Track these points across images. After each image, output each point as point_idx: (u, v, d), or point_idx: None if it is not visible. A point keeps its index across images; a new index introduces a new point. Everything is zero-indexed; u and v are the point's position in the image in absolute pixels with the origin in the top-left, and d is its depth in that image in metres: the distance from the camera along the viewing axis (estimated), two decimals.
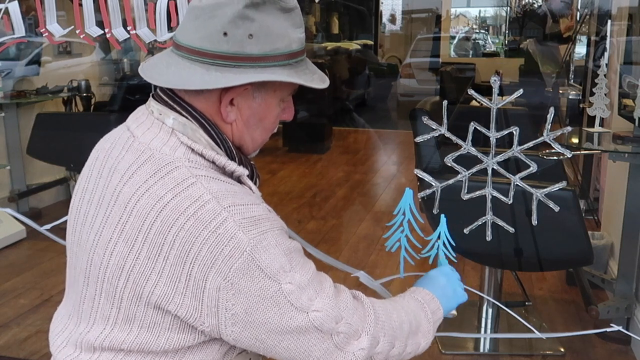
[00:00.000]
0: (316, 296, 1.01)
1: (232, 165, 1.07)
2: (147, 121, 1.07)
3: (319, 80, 1.11)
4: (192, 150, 1.03)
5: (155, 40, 2.00)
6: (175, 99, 1.07)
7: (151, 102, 1.10)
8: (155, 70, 1.08)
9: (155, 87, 1.11)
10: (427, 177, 1.47)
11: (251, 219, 0.98)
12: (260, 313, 0.97)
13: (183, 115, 1.05)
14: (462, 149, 1.41)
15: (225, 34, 1.01)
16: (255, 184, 1.14)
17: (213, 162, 1.05)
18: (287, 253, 1.00)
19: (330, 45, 9.10)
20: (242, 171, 1.08)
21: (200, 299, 0.96)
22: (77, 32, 2.05)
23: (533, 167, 1.36)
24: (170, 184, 0.98)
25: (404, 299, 1.23)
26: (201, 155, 1.04)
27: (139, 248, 0.97)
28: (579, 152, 3.24)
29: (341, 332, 1.03)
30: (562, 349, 2.61)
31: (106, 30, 2.02)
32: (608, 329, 1.45)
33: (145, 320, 1.00)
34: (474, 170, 1.44)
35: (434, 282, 1.29)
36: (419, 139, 1.47)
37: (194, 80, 1.03)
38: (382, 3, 10.54)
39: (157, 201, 0.97)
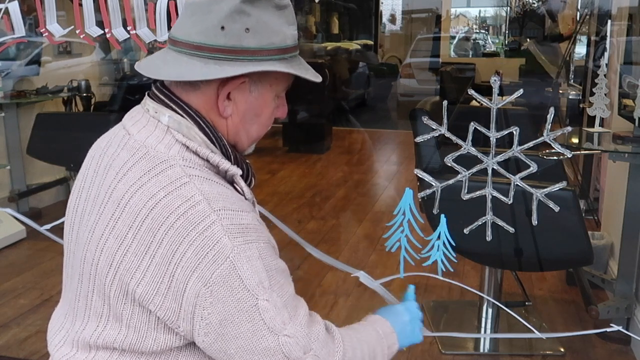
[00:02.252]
0: (290, 321, 1.00)
1: (225, 164, 1.06)
2: (143, 119, 1.08)
3: (313, 75, 1.12)
4: (187, 148, 1.04)
5: (155, 40, 2.00)
6: (171, 97, 1.07)
7: (147, 100, 1.10)
8: (153, 66, 1.08)
9: (152, 85, 1.12)
10: (427, 177, 1.47)
11: (239, 226, 0.98)
12: (234, 326, 0.97)
13: (178, 113, 1.06)
14: (462, 149, 1.41)
15: (222, 27, 1.02)
16: (250, 184, 1.14)
17: (207, 160, 1.05)
18: (268, 269, 0.99)
19: (330, 45, 9.11)
20: (236, 171, 1.08)
21: (180, 302, 0.96)
22: (77, 32, 2.05)
23: (533, 167, 1.36)
24: (164, 182, 0.99)
25: (365, 329, 1.23)
26: (195, 153, 1.04)
27: (128, 244, 0.97)
28: (579, 152, 3.24)
29: None
30: (562, 349, 2.61)
31: (106, 30, 2.02)
32: (608, 329, 1.45)
33: (132, 319, 1.00)
34: (474, 170, 1.44)
35: (397, 317, 1.29)
36: (419, 139, 1.47)
37: (194, 73, 1.03)
38: (382, 3, 10.54)
39: (150, 198, 0.98)
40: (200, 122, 1.06)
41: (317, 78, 1.12)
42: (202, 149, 1.04)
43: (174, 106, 1.06)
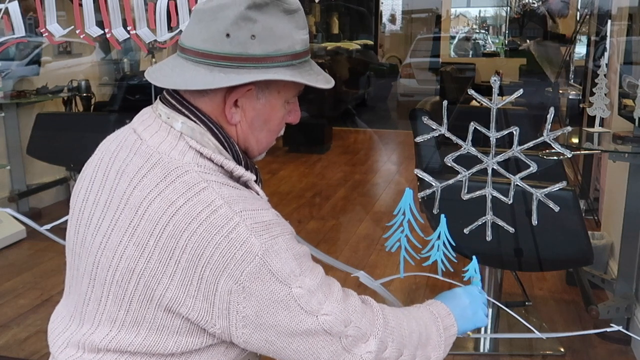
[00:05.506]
0: (325, 300, 1.01)
1: (240, 170, 1.07)
2: (155, 124, 1.07)
3: (323, 81, 1.11)
4: (201, 154, 1.04)
5: (155, 40, 2.00)
6: (182, 103, 1.07)
7: (159, 105, 1.10)
8: (161, 73, 1.08)
9: (160, 90, 1.11)
10: (427, 177, 1.47)
11: (262, 224, 0.99)
12: (271, 316, 0.98)
13: (191, 119, 1.06)
14: (462, 149, 1.41)
15: (228, 35, 1.02)
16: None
17: (221, 167, 1.05)
18: (297, 257, 1.00)
19: (330, 45, 9.10)
20: (250, 176, 1.09)
21: (212, 301, 0.97)
22: (77, 32, 2.05)
23: (533, 167, 1.36)
24: (182, 189, 0.99)
25: (418, 309, 1.22)
26: (210, 160, 1.04)
27: (150, 252, 0.97)
28: (579, 152, 3.24)
29: (350, 335, 1.04)
30: (562, 349, 2.61)
31: (106, 30, 2.02)
32: (608, 329, 1.45)
33: (155, 323, 1.00)
34: (474, 170, 1.44)
35: (455, 300, 1.27)
36: (419, 139, 1.47)
37: (197, 81, 1.03)
38: (382, 3, 10.53)
39: (169, 205, 0.98)
40: (213, 128, 1.06)
41: (328, 84, 1.11)
42: (216, 156, 1.04)
43: (186, 112, 1.06)
